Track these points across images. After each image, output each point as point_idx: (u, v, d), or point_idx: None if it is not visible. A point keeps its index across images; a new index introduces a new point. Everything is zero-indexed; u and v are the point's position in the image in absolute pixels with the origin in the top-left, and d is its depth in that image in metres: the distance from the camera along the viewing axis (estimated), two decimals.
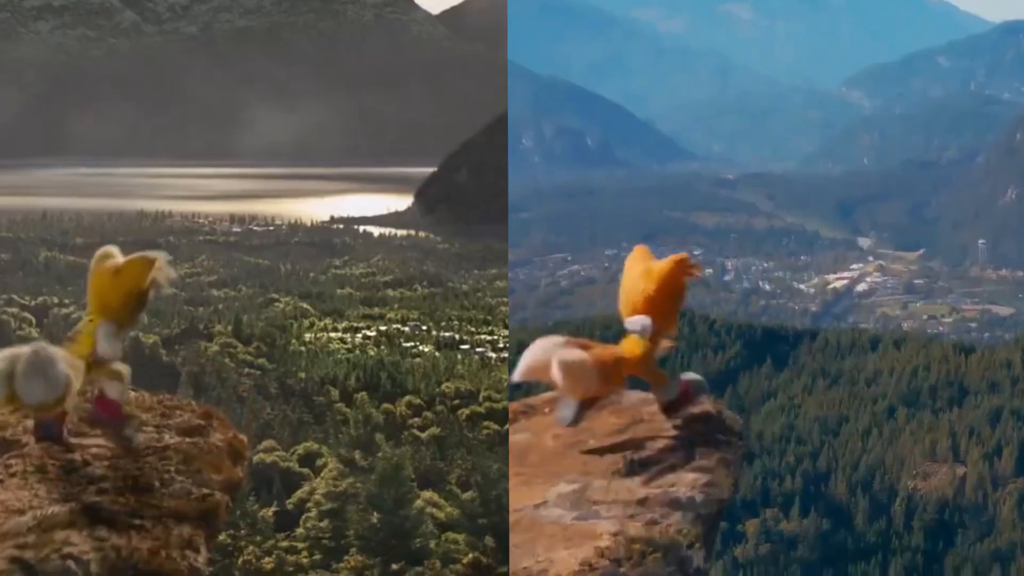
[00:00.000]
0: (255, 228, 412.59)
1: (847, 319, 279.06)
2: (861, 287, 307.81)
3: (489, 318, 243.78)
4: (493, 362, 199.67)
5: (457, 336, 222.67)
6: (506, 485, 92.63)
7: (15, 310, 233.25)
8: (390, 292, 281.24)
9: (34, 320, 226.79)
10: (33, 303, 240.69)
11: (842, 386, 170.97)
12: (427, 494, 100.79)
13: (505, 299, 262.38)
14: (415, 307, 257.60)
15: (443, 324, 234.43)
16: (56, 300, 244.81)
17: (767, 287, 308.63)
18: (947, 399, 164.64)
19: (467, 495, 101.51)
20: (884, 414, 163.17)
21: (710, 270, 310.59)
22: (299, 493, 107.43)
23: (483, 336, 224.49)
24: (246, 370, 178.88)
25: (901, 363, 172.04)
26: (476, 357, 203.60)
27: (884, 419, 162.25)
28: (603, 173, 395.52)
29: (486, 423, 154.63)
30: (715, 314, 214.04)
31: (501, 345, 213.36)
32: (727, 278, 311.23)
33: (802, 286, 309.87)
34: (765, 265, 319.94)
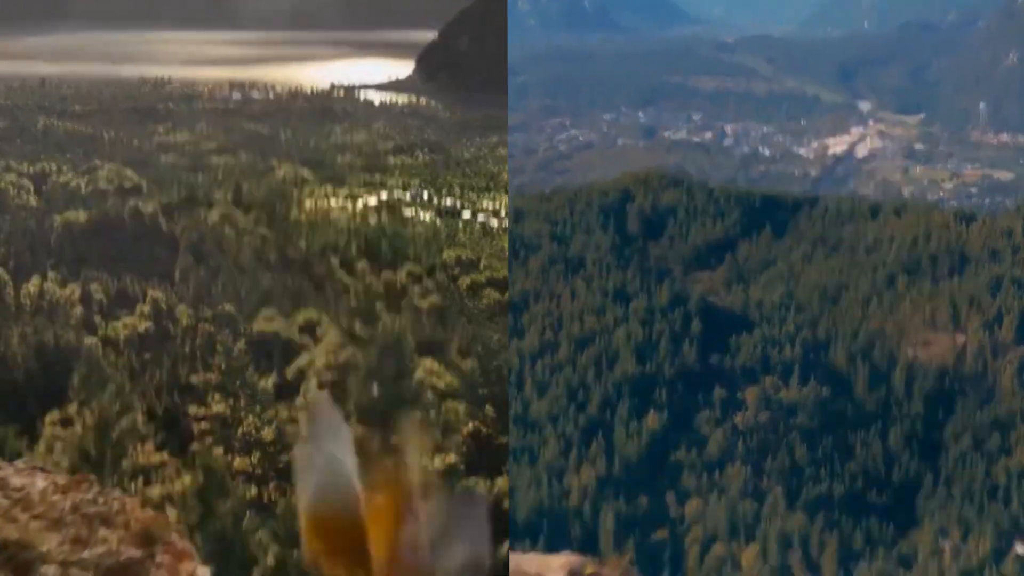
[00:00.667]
0: (254, 94, 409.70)
1: (847, 184, 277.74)
2: (861, 152, 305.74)
3: (491, 185, 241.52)
4: (495, 230, 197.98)
5: (458, 204, 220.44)
6: (506, 355, 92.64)
7: (13, 177, 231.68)
8: (391, 159, 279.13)
9: (32, 187, 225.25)
10: (31, 170, 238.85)
11: (842, 254, 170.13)
12: (427, 363, 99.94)
13: (507, 167, 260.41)
14: (416, 174, 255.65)
15: (444, 191, 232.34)
16: (54, 167, 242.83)
17: (766, 152, 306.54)
18: (947, 267, 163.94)
19: (467, 364, 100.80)
20: (884, 282, 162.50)
21: (710, 134, 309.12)
22: (298, 362, 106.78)
23: (485, 204, 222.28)
24: (246, 238, 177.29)
25: (901, 231, 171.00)
26: (478, 225, 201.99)
27: (884, 287, 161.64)
28: (601, 37, 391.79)
29: (487, 292, 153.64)
30: (714, 180, 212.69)
31: (503, 213, 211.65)
32: (726, 143, 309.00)
33: (801, 151, 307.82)
34: (764, 130, 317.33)
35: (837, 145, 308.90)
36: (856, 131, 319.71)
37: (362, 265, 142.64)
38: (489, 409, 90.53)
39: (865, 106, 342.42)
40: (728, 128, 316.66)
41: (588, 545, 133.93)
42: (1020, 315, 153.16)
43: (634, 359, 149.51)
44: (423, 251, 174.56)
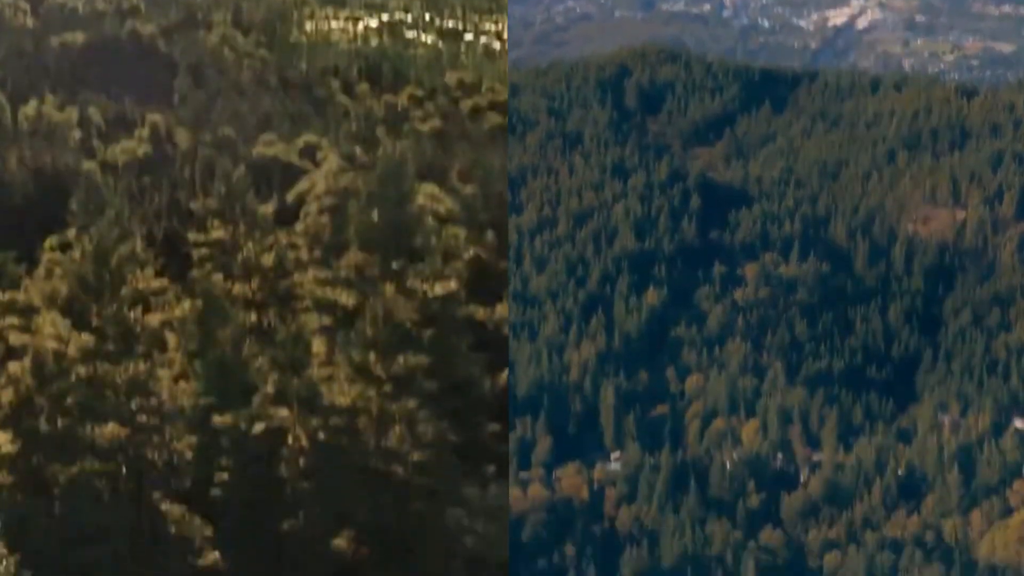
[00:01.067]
0: None
1: (847, 57, 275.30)
2: (861, 23, 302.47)
3: (492, 6, 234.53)
4: (497, 53, 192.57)
5: (460, 25, 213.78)
6: (506, 180, 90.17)
7: None
8: None
9: (29, 8, 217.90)
10: None
11: (842, 129, 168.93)
12: (427, 188, 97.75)
13: None
14: None
15: (446, 13, 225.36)
16: None
17: (765, 23, 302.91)
18: (948, 142, 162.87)
19: (468, 189, 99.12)
20: (884, 158, 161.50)
21: (708, 5, 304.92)
22: (298, 187, 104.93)
23: (487, 26, 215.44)
24: (245, 61, 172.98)
25: (902, 105, 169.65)
26: (479, 47, 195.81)
27: (884, 163, 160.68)
28: None
29: (488, 115, 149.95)
30: (713, 52, 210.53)
31: (505, 36, 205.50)
32: (725, 14, 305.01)
33: (801, 22, 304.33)
34: (763, 0, 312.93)
35: (837, 16, 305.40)
36: (856, 2, 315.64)
37: (363, 88, 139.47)
38: (489, 235, 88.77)
39: None
40: None
41: (588, 419, 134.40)
42: (1021, 191, 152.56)
43: (633, 235, 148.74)
44: (424, 74, 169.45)
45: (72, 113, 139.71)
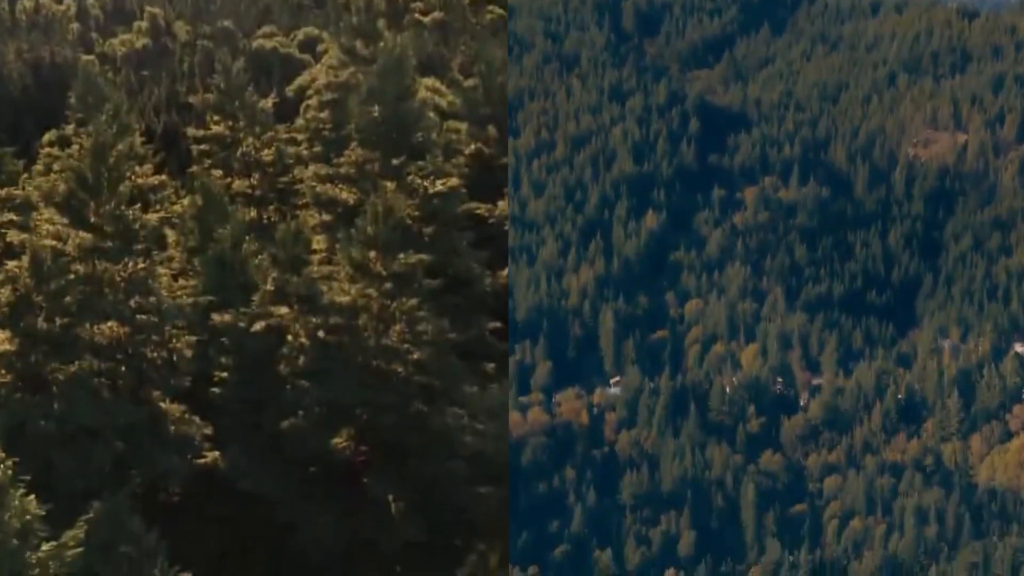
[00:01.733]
0: None
1: None
2: None
3: None
4: None
5: None
6: (507, 73, 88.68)
7: None
8: None
9: None
10: None
11: (841, 52, 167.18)
12: (429, 81, 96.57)
13: None
14: None
15: None
16: None
17: None
18: (949, 65, 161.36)
19: (469, 83, 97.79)
20: (884, 80, 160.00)
21: None
22: (299, 80, 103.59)
23: None
24: None
25: (902, 28, 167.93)
26: None
27: (884, 86, 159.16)
28: None
29: (490, 7, 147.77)
30: None
31: None
32: None
33: None
34: None
35: None
36: None
37: None
38: (491, 129, 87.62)
39: None
40: None
41: (588, 344, 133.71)
42: (1022, 114, 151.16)
43: (631, 159, 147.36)
44: None
45: (70, 4, 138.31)
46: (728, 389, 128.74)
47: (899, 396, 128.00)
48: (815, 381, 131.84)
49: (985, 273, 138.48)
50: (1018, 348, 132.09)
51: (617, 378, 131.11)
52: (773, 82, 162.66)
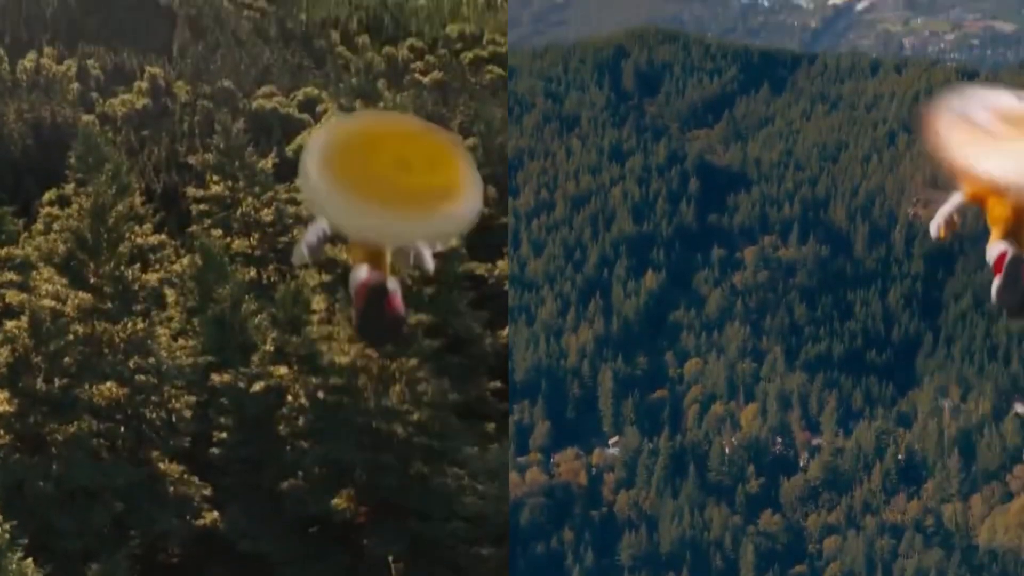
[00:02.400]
0: None
1: (847, 35, 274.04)
2: (862, 3, 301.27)
3: None
4: (498, 3, 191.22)
5: None
6: (507, 134, 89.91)
7: None
8: None
9: None
10: None
11: (841, 111, 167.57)
12: None
13: None
14: None
15: None
16: None
17: (765, 2, 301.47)
18: None
19: (469, 142, 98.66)
20: (885, 140, 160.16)
21: None
22: (299, 140, 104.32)
23: None
24: (245, 12, 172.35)
25: (902, 87, 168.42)
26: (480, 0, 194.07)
27: (884, 145, 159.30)
28: None
29: (489, 68, 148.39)
30: (712, 32, 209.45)
31: None
32: None
33: (802, 1, 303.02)
34: None
35: None
36: None
37: (363, 39, 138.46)
38: (490, 189, 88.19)
39: None
40: None
41: (587, 404, 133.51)
42: None
43: (631, 218, 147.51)
44: (425, 25, 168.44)
45: (71, 65, 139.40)
46: (727, 449, 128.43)
47: (899, 456, 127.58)
48: (815, 441, 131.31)
49: (985, 333, 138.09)
50: (1018, 408, 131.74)
51: (616, 438, 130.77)
52: (773, 141, 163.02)
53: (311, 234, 13.05)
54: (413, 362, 61.70)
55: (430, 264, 14.92)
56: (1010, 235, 11.52)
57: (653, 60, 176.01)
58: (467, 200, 12.93)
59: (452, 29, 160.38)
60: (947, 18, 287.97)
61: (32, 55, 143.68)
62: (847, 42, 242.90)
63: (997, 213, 11.73)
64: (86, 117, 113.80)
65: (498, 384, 71.15)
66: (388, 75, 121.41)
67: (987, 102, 9.64)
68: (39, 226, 79.38)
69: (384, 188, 12.04)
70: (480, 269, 77.04)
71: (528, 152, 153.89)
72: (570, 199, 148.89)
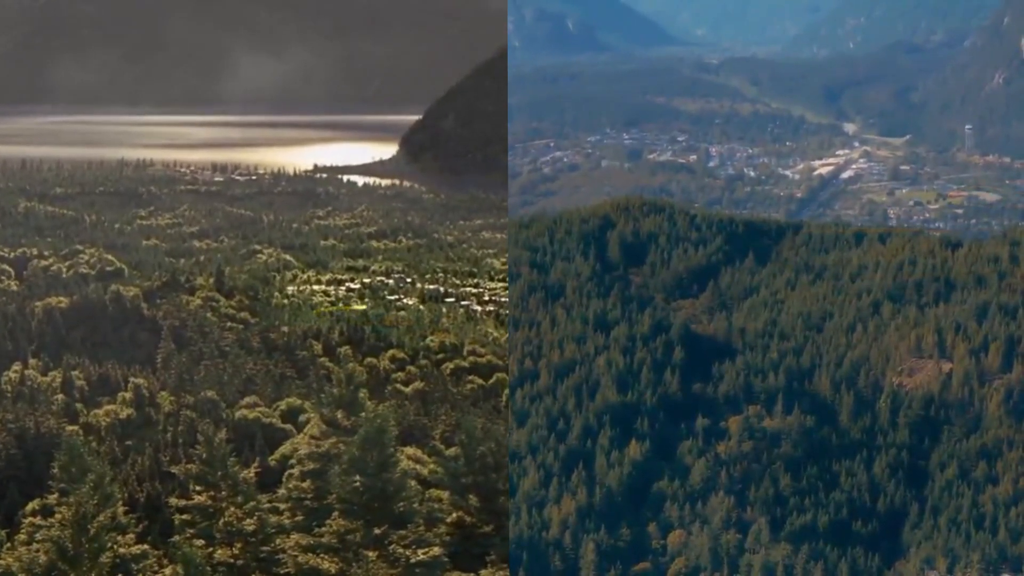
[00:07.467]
0: (237, 177, 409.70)
1: (832, 206, 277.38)
2: (847, 173, 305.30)
3: (475, 270, 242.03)
4: (479, 315, 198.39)
5: (442, 288, 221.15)
6: (490, 443, 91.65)
7: None
8: (374, 243, 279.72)
9: (13, 272, 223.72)
10: (12, 255, 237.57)
11: (826, 281, 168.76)
12: (410, 450, 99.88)
13: (490, 250, 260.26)
14: (399, 259, 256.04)
15: (428, 276, 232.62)
16: (35, 251, 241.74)
17: (752, 173, 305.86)
18: (933, 294, 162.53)
19: (451, 451, 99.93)
20: (869, 309, 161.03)
21: (694, 156, 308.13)
22: (282, 449, 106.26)
23: (468, 288, 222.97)
24: (228, 324, 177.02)
25: (886, 257, 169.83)
26: (461, 310, 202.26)
27: (869, 314, 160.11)
28: (585, 58, 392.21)
29: (470, 378, 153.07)
30: (699, 201, 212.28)
31: (487, 298, 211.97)
32: (711, 164, 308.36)
33: (787, 172, 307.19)
34: (750, 151, 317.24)
35: (823, 167, 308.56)
36: (842, 153, 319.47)
37: (345, 351, 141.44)
38: (473, 498, 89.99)
39: (851, 127, 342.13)
40: (713, 150, 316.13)
41: None
42: (1007, 342, 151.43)
43: (615, 388, 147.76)
44: (406, 336, 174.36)
45: (56, 376, 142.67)
46: None
47: None
48: None
49: (972, 502, 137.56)
50: None
51: None
52: (758, 311, 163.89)
53: None
54: None
55: None
56: None
57: (638, 230, 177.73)
58: None
59: (433, 340, 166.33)
60: (931, 188, 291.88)
61: (17, 366, 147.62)
62: (832, 212, 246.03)
63: None
64: (70, 427, 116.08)
65: None
66: (370, 385, 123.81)
67: None
68: (23, 536, 79.46)
69: None
70: None
71: (513, 322, 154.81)
72: (554, 368, 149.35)
